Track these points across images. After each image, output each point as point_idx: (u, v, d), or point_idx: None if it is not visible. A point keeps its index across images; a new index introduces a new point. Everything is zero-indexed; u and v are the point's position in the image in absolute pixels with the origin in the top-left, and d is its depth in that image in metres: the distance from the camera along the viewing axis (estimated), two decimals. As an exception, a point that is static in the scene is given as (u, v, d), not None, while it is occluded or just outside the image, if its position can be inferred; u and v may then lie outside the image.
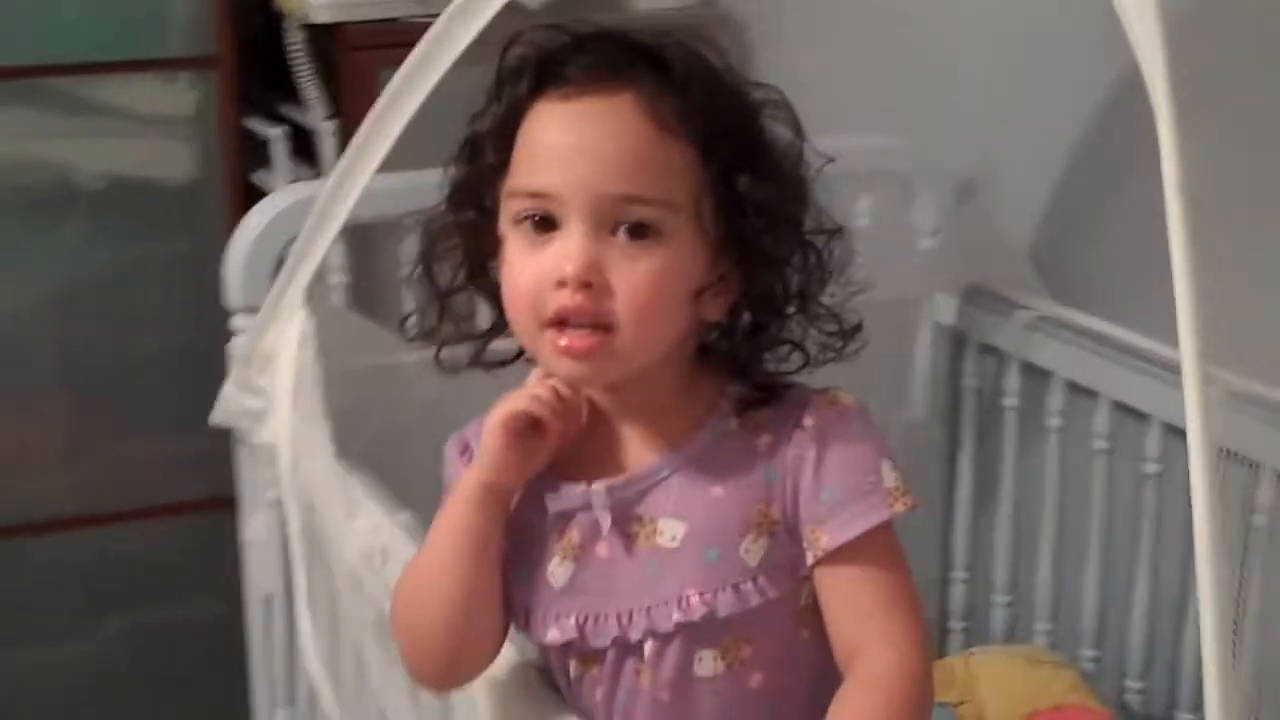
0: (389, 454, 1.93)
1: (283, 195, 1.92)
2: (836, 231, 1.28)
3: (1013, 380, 2.09)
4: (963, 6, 2.22)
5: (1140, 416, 1.90)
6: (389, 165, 1.67)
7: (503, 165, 1.25)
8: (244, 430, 1.84)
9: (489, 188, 1.27)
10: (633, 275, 1.19)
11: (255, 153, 2.54)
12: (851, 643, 1.22)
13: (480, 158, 1.28)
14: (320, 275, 1.96)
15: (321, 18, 2.48)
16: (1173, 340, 0.92)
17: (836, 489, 1.21)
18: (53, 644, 2.58)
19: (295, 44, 2.51)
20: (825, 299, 1.28)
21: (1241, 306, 1.13)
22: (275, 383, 1.76)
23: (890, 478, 1.22)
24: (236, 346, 1.87)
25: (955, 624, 2.21)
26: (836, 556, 1.21)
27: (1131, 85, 0.99)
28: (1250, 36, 1.80)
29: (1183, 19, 0.91)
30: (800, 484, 1.22)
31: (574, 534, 1.27)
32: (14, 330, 2.47)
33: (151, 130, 2.49)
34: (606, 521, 1.25)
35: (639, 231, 1.19)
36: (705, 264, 1.22)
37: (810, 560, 1.22)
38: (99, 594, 2.59)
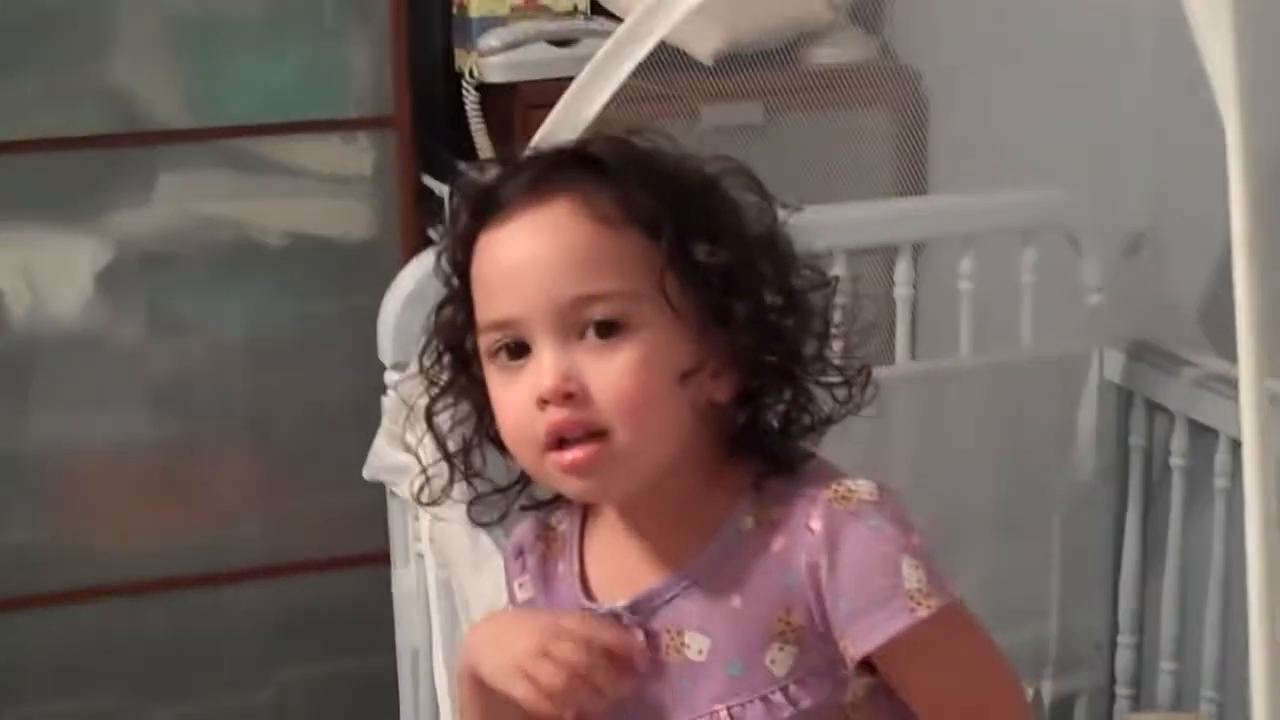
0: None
1: (433, 253, 1.94)
2: (823, 284, 1.25)
3: (1180, 439, 2.03)
4: (1133, 55, 2.17)
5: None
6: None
7: (469, 310, 1.25)
8: (392, 484, 1.86)
9: (464, 336, 1.27)
10: (610, 374, 1.17)
11: (435, 211, 2.59)
12: None
13: (446, 308, 1.29)
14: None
15: (494, 77, 2.52)
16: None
17: (852, 599, 1.16)
18: (233, 692, 2.64)
19: (471, 102, 2.55)
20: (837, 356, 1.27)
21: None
22: (418, 438, 1.78)
23: (912, 579, 1.15)
24: (387, 402, 1.89)
25: (1121, 690, 2.15)
26: (887, 655, 1.17)
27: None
28: None
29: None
30: (819, 591, 1.18)
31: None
32: (202, 385, 2.55)
33: (332, 189, 2.55)
34: (640, 638, 1.23)
35: (606, 329, 1.18)
36: (688, 344, 1.20)
37: (851, 661, 1.18)
38: (278, 644, 2.65)
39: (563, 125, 1.68)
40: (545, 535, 1.34)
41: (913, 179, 2.54)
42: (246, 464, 2.61)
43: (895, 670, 1.19)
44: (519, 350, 1.20)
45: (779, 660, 1.19)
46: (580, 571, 1.29)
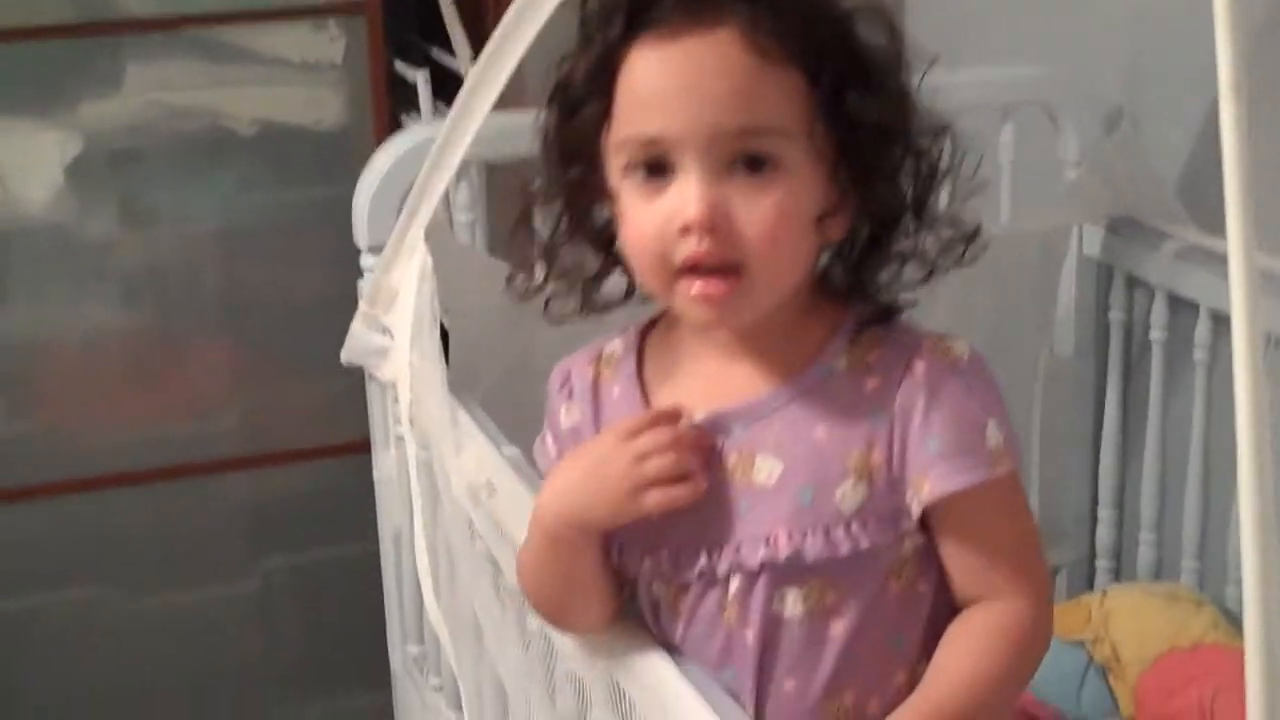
0: (518, 390, 1.94)
1: (407, 136, 1.93)
2: (942, 131, 1.24)
3: (1160, 312, 2.03)
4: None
5: None
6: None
7: (603, 115, 1.22)
8: (371, 367, 1.86)
9: (589, 139, 1.24)
10: (758, 212, 1.16)
11: (406, 97, 2.56)
12: (969, 592, 1.22)
13: (577, 109, 1.24)
14: (449, 214, 1.98)
15: (465, -40, 2.49)
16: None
17: (942, 440, 1.18)
18: (219, 582, 2.65)
19: (442, -13, 2.53)
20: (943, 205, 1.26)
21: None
22: (397, 320, 1.78)
23: (994, 438, 1.18)
24: (364, 285, 1.88)
25: (1102, 562, 2.16)
26: (950, 507, 1.19)
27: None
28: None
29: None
30: (908, 431, 1.19)
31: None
32: (173, 276, 2.53)
33: (302, 76, 2.52)
34: (718, 450, 1.23)
35: (757, 165, 1.16)
36: (824, 187, 1.20)
37: (915, 510, 1.20)
38: (259, 534, 2.65)
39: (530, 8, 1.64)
40: (595, 361, 1.33)
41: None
42: (223, 354, 2.60)
43: (950, 526, 1.21)
44: (658, 168, 1.18)
45: (849, 497, 1.19)
46: (641, 394, 1.29)
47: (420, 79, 2.49)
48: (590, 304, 1.33)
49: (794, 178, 1.17)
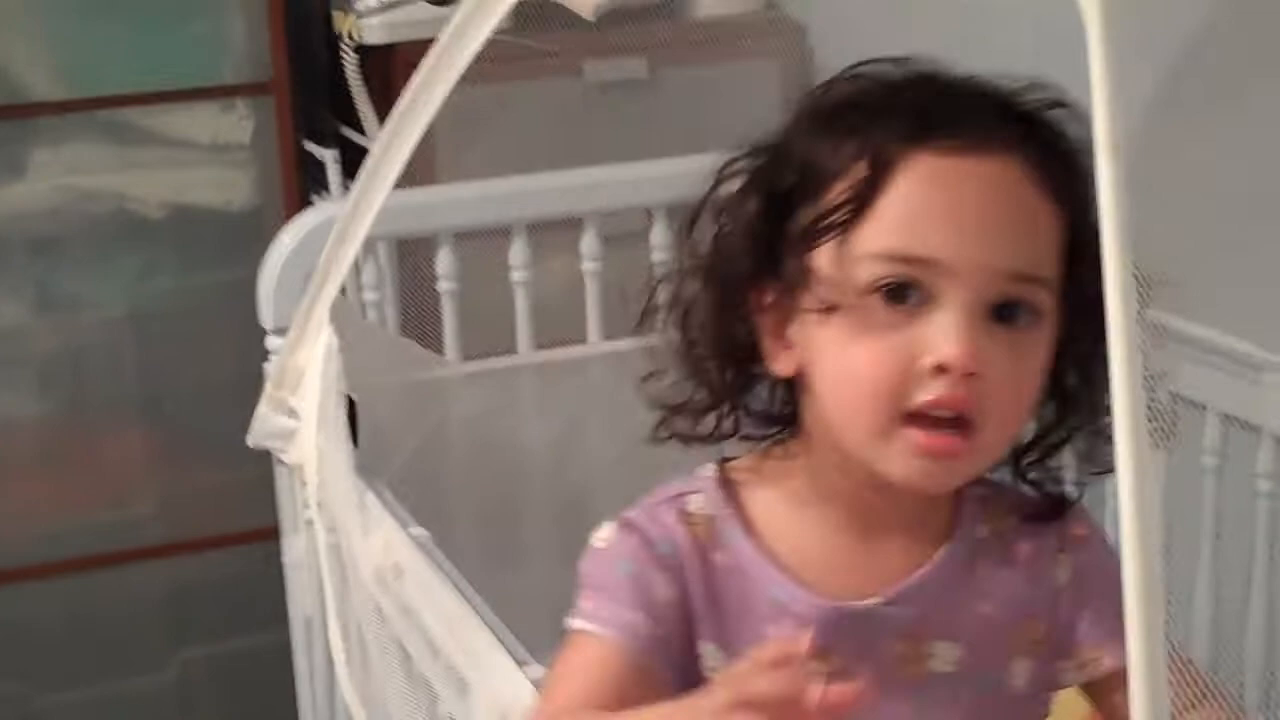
0: (430, 472, 1.92)
1: (311, 215, 1.92)
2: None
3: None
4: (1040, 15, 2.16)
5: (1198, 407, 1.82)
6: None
7: (853, 218, 1.05)
8: (277, 451, 1.83)
9: (797, 239, 1.07)
10: (1014, 368, 1.03)
11: (317, 177, 2.54)
12: None
13: (797, 204, 1.08)
14: (354, 293, 1.97)
15: (373, 39, 2.47)
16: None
17: (1113, 608, 1.02)
18: (132, 674, 2.59)
19: (351, 65, 2.51)
20: None
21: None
22: (303, 402, 1.75)
23: None
24: (269, 367, 1.86)
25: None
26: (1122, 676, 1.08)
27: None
28: None
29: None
30: (1087, 598, 1.11)
31: (828, 661, 1.05)
32: (88, 361, 2.49)
33: (211, 158, 2.50)
34: (891, 641, 1.10)
35: (1012, 315, 1.03)
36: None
37: (1078, 680, 1.12)
38: (177, 624, 2.60)
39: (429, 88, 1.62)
40: (683, 520, 1.14)
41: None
42: (136, 441, 2.56)
43: (1119, 693, 1.07)
44: (903, 294, 1.03)
45: (1019, 673, 1.12)
46: (773, 564, 1.11)
47: (330, 158, 2.47)
48: (689, 435, 1.16)
49: (1043, 334, 1.06)
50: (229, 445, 2.55)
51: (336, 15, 2.55)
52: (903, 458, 1.04)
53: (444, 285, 1.98)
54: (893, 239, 1.03)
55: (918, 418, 1.03)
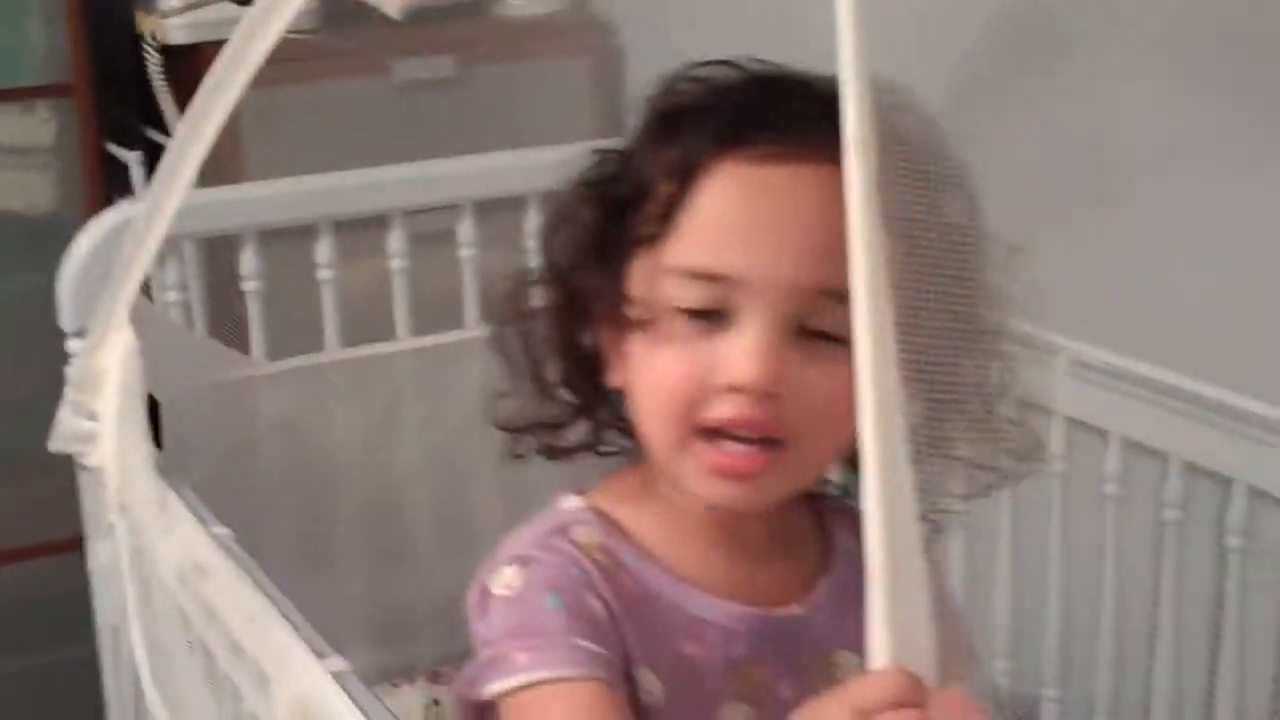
0: (239, 472, 1.90)
1: (111, 215, 1.88)
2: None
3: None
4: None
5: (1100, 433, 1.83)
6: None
7: (658, 231, 1.03)
8: (79, 455, 1.79)
9: (624, 250, 1.05)
10: (821, 385, 0.99)
11: (121, 180, 2.50)
12: None
13: (625, 213, 1.05)
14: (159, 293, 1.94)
15: (177, 39, 2.44)
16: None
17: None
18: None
19: (154, 66, 2.47)
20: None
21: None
22: (104, 404, 1.72)
23: None
24: (70, 370, 1.82)
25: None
26: None
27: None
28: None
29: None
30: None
31: (757, 672, 1.09)
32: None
33: (11, 160, 2.46)
34: (806, 647, 1.09)
35: (822, 332, 0.99)
36: None
37: None
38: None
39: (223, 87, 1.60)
40: (581, 549, 1.09)
41: (612, 130, 2.53)
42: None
43: None
44: (709, 312, 1.00)
45: None
46: (670, 571, 1.08)
47: (134, 160, 2.44)
48: (551, 448, 1.13)
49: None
50: (33, 455, 2.51)
51: (139, 16, 2.51)
52: (698, 475, 1.02)
53: (249, 284, 1.96)
54: (692, 256, 1.01)
55: (715, 434, 1.01)
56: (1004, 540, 1.90)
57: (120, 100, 2.55)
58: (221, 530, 1.51)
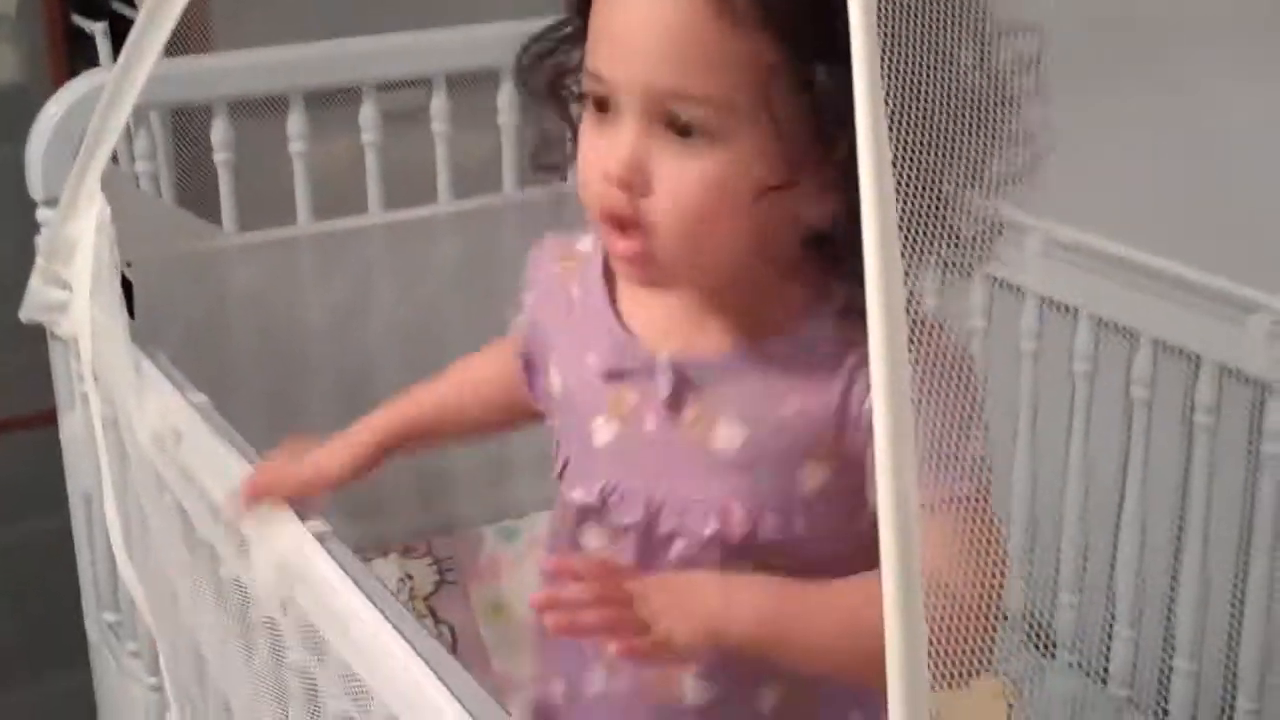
0: (209, 343, 1.90)
1: (80, 83, 1.87)
2: None
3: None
4: None
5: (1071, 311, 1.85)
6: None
7: (580, 33, 1.15)
8: (50, 324, 1.79)
9: (568, 59, 1.18)
10: (674, 178, 1.08)
11: (86, 51, 2.48)
12: None
13: (570, 21, 1.18)
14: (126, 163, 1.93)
15: (143, -93, 2.40)
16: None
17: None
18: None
19: (119, -65, 2.44)
20: None
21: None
22: (76, 273, 1.71)
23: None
24: (41, 239, 1.81)
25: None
26: None
27: None
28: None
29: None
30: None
31: (629, 396, 1.18)
32: None
33: (-25, 32, 2.43)
34: (665, 390, 1.16)
35: (687, 130, 1.07)
36: (779, 161, 1.07)
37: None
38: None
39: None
40: (563, 254, 1.27)
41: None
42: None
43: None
44: (604, 104, 1.10)
45: (813, 477, 1.13)
46: (610, 303, 1.21)
47: (99, 31, 2.41)
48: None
49: (731, 151, 1.07)
50: (3, 326, 2.51)
51: (105, -118, 2.48)
52: (611, 255, 1.15)
53: (220, 156, 1.95)
54: (589, 57, 1.12)
55: (608, 219, 1.11)
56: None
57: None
58: (199, 396, 1.51)
